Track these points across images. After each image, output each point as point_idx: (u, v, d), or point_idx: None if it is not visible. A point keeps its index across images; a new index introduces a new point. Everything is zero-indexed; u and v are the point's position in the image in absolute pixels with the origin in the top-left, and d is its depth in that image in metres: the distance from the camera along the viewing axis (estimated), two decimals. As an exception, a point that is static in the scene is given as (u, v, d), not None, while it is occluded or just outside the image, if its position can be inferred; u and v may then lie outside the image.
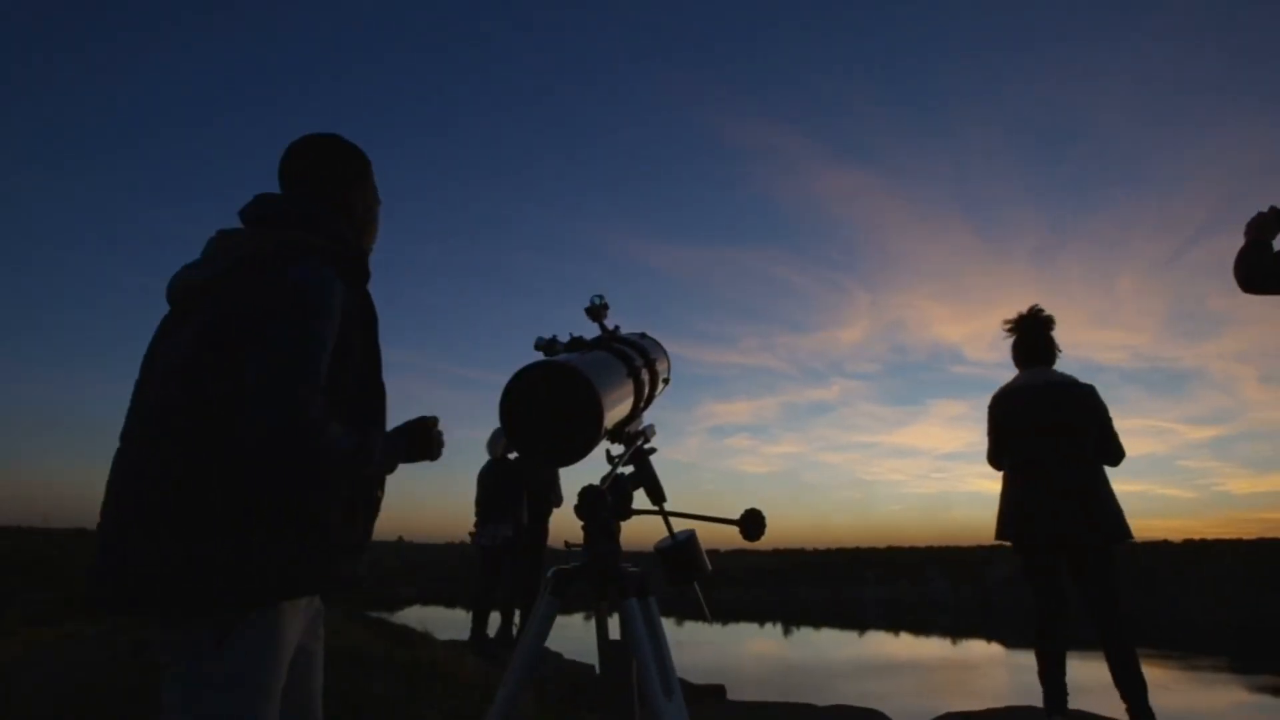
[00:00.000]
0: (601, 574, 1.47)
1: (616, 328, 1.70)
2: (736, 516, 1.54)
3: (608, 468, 1.52)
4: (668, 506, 1.59)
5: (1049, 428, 3.55)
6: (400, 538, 36.78)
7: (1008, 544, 3.67)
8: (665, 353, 1.83)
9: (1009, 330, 3.86)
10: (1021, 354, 3.81)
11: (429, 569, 27.78)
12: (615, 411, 1.41)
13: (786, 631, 17.16)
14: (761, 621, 18.30)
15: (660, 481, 1.61)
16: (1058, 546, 3.48)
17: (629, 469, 1.59)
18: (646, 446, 1.65)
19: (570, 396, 1.30)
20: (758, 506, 1.53)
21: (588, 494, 1.40)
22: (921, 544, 31.85)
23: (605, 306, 1.67)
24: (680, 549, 1.57)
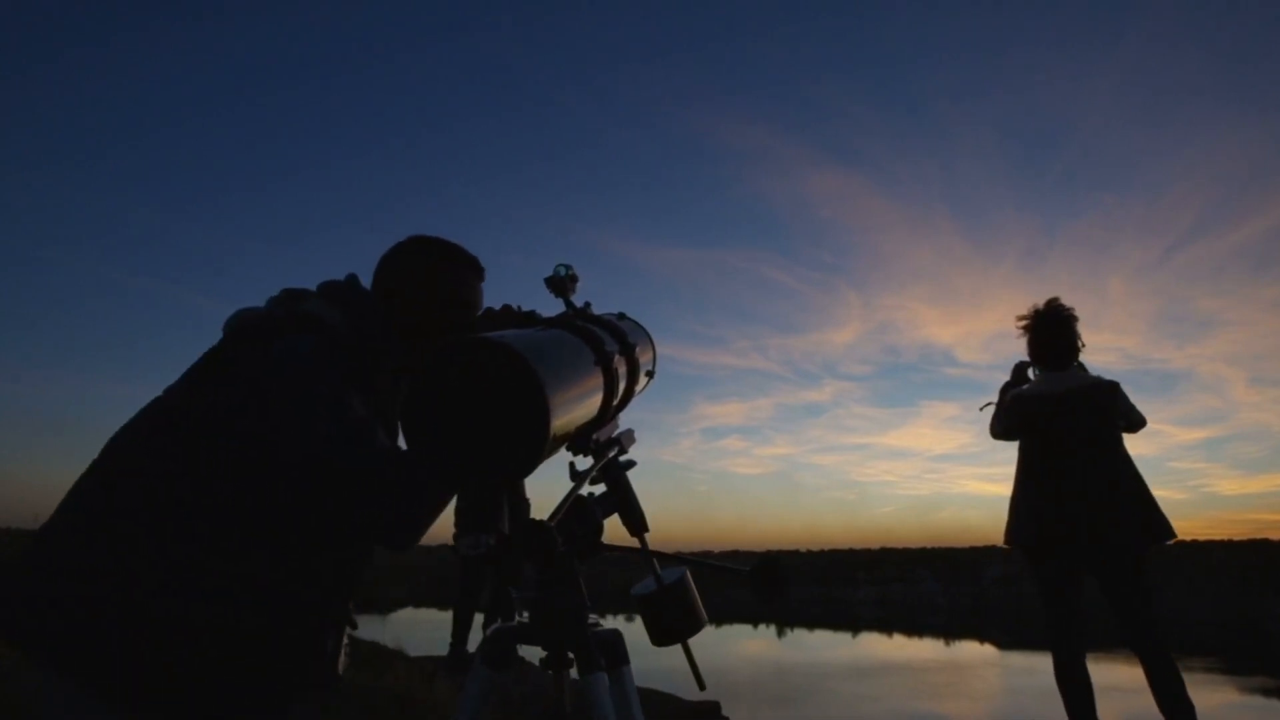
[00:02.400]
0: (557, 637, 1.11)
1: (587, 305, 1.35)
2: (748, 567, 1.17)
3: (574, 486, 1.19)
4: (651, 539, 1.23)
5: (1071, 436, 3.22)
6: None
7: (1010, 549, 3.37)
8: (649, 338, 1.45)
9: (1024, 328, 3.47)
10: (1036, 355, 3.44)
11: (422, 571, 27.69)
12: (575, 411, 1.06)
13: (780, 633, 17.17)
14: (755, 623, 18.30)
15: (641, 506, 1.22)
16: (1079, 551, 3.14)
17: (599, 488, 1.22)
18: (623, 459, 1.25)
19: (501, 387, 0.91)
20: (774, 556, 1.15)
21: (529, 531, 1.04)
22: (914, 545, 31.96)
23: (573, 278, 1.31)
24: (667, 597, 1.16)
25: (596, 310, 1.37)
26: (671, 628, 1.16)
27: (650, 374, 1.43)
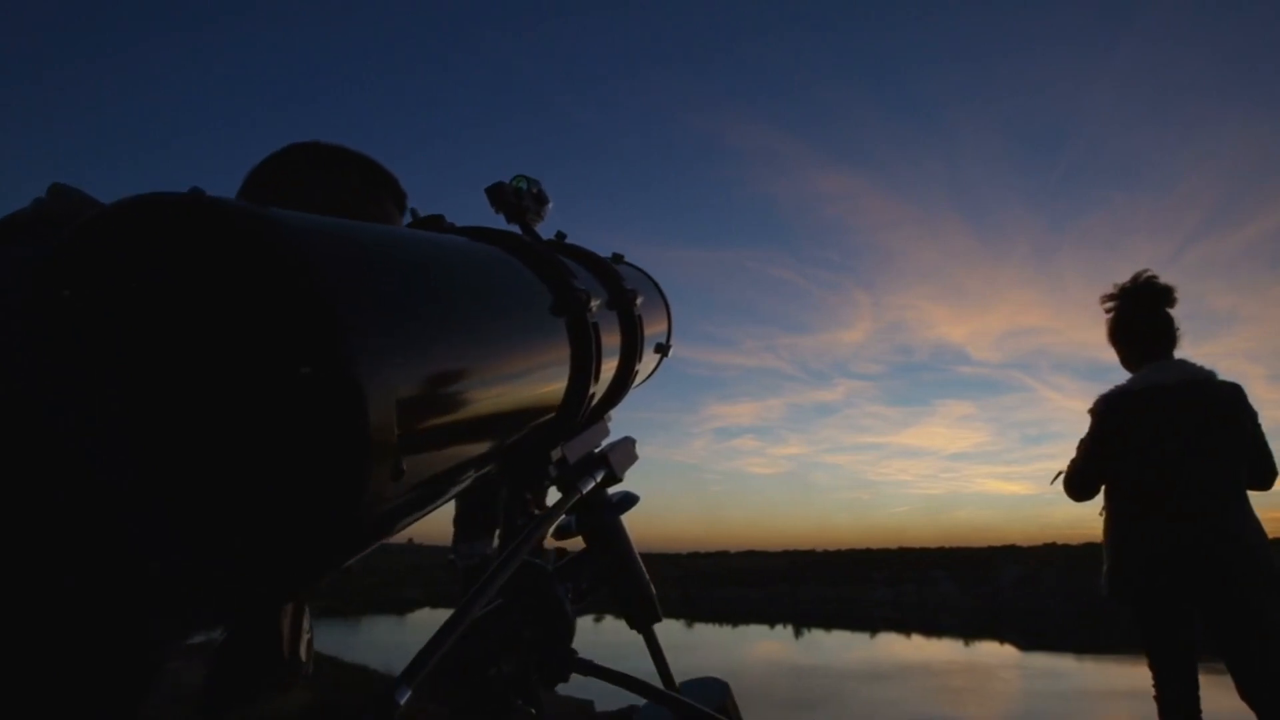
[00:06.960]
0: None
1: (561, 235, 0.80)
2: None
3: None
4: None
5: (1186, 443, 2.63)
6: (410, 539, 36.83)
7: (1117, 600, 2.71)
8: (662, 296, 0.96)
9: (1108, 308, 2.86)
10: (1124, 341, 2.82)
11: (439, 571, 27.84)
12: (491, 401, 0.51)
13: (797, 634, 17.12)
14: (771, 623, 18.27)
15: (648, 579, 0.71)
16: (1186, 596, 2.61)
17: (570, 541, 0.72)
18: (614, 494, 0.72)
19: (245, 339, 0.34)
20: None
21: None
22: (930, 545, 31.85)
23: (537, 196, 0.73)
24: None
25: None
26: None
27: (663, 350, 0.91)
